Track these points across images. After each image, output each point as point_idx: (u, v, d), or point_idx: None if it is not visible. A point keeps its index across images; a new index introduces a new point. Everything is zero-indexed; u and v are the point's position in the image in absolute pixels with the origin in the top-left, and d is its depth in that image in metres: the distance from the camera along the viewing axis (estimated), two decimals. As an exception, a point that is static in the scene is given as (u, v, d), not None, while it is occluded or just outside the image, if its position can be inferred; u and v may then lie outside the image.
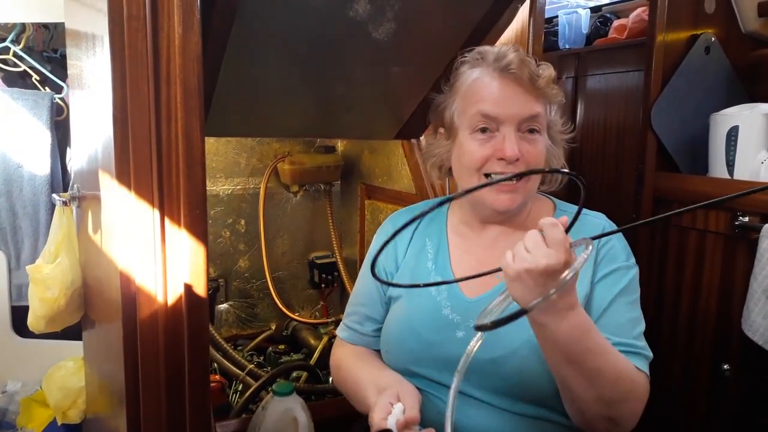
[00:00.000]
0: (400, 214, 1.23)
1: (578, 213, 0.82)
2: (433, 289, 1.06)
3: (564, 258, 0.77)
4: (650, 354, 0.97)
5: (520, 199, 1.01)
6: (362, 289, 1.19)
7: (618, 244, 1.02)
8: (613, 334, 0.93)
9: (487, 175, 1.00)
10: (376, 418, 0.90)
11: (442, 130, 1.10)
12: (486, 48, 1.03)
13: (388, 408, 0.91)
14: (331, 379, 1.81)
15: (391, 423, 0.88)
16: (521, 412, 0.97)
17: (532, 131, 1.00)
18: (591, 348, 0.84)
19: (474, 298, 1.03)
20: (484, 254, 1.07)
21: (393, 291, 1.12)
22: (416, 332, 1.03)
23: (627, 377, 0.90)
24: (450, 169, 1.10)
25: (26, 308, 1.43)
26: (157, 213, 0.92)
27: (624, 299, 0.98)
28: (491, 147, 0.99)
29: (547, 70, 1.00)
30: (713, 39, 1.75)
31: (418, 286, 1.06)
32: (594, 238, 0.80)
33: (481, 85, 1.01)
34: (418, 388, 1.00)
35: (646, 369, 0.95)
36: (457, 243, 1.11)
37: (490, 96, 0.99)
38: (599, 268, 0.99)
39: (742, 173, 1.59)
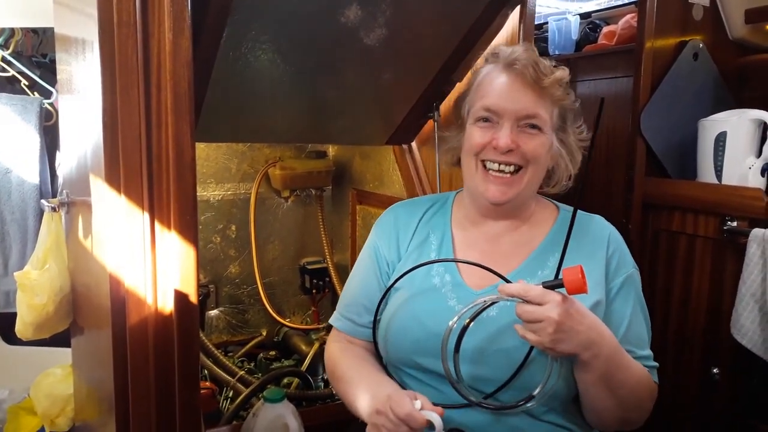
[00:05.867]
0: (400, 205, 1.23)
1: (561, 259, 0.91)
2: (437, 280, 1.07)
3: (558, 298, 0.87)
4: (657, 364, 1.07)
5: (511, 193, 1.04)
6: (361, 280, 1.18)
7: (624, 248, 1.08)
8: (637, 347, 1.03)
9: (483, 162, 1.05)
10: (405, 406, 0.89)
11: (459, 122, 1.15)
12: (502, 47, 1.09)
13: (410, 398, 0.91)
14: (322, 382, 1.81)
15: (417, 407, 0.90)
16: (537, 416, 0.99)
17: (533, 126, 1.03)
18: (618, 364, 0.95)
19: (479, 290, 1.04)
20: (487, 247, 1.10)
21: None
22: (421, 322, 1.03)
23: (644, 385, 1.01)
24: (459, 160, 1.14)
25: (14, 315, 1.41)
26: (147, 218, 0.91)
27: (639, 308, 1.06)
28: (490, 135, 1.04)
29: (558, 72, 1.04)
30: (701, 45, 1.77)
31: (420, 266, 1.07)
32: None
33: (489, 80, 1.06)
34: (418, 379, 1.05)
35: (657, 379, 1.05)
36: (461, 236, 1.13)
37: (494, 90, 1.04)
38: (615, 276, 1.04)
39: (730, 178, 1.60)
